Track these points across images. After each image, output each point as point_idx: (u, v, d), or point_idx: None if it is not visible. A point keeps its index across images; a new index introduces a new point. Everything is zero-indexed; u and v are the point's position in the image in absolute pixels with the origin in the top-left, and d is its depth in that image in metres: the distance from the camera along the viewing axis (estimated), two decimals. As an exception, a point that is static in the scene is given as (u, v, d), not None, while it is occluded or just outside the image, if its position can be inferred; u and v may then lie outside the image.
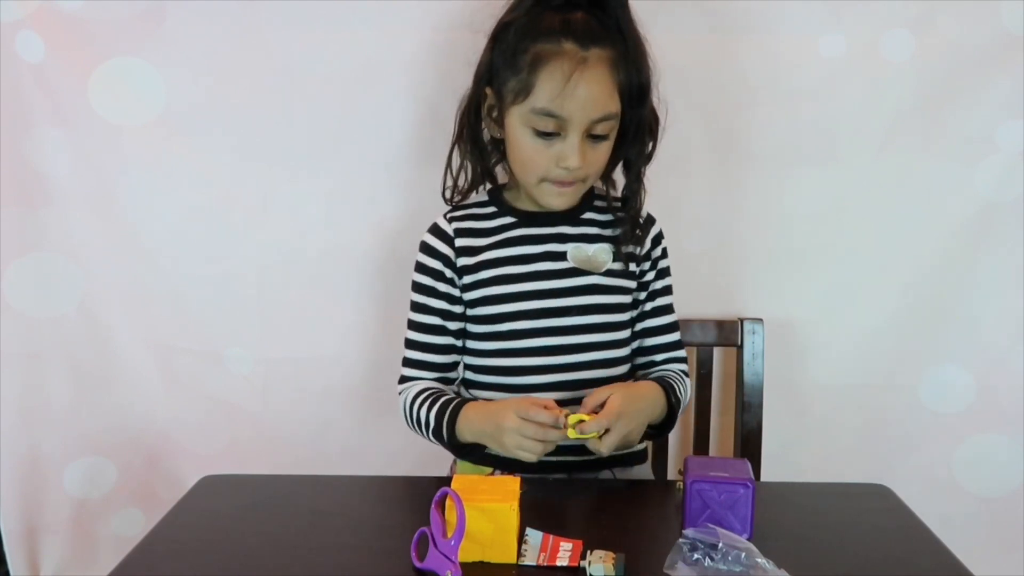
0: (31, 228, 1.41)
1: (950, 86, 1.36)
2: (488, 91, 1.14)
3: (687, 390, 1.20)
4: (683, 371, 1.22)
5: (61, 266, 1.43)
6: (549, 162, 1.10)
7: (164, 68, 1.37)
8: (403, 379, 1.21)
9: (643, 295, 1.21)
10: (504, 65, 1.10)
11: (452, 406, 1.11)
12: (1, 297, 1.42)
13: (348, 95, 1.38)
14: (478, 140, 1.19)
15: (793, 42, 1.36)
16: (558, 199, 1.14)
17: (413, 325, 1.20)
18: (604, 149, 1.12)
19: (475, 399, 1.16)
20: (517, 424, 1.01)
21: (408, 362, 1.20)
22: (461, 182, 1.21)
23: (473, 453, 1.12)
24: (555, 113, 1.07)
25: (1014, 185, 1.38)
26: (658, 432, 1.15)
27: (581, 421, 1.00)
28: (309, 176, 1.41)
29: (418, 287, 1.19)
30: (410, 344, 1.20)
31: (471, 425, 1.08)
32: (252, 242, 1.43)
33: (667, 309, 1.23)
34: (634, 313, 1.22)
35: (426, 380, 1.19)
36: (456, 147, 1.20)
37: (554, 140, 1.09)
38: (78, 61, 1.36)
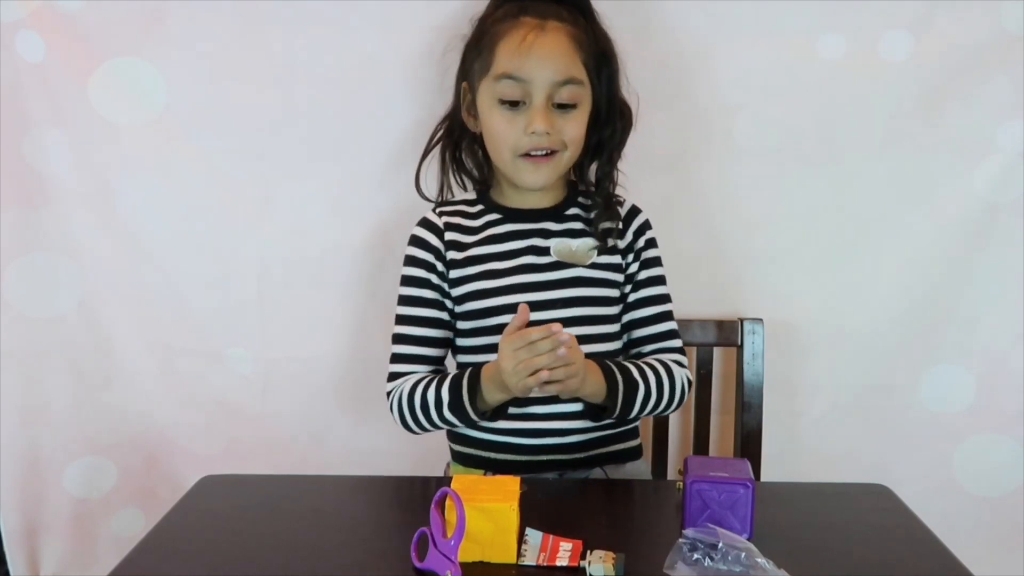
0: (31, 228, 1.41)
1: (949, 86, 1.36)
2: (464, 85, 1.19)
3: (673, 378, 1.15)
4: (674, 360, 1.19)
5: (61, 266, 1.43)
6: (518, 132, 1.12)
7: (164, 68, 1.37)
8: (393, 376, 1.18)
9: (628, 287, 1.21)
10: (471, 52, 1.16)
11: (468, 374, 1.09)
12: (1, 297, 1.42)
13: (348, 95, 1.38)
14: (458, 137, 1.23)
15: (792, 42, 1.36)
16: (534, 174, 1.15)
17: (404, 320, 1.19)
18: (574, 120, 1.13)
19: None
20: (510, 352, 0.99)
21: (399, 358, 1.18)
22: (439, 180, 1.25)
23: (495, 418, 1.11)
24: (515, 75, 1.10)
25: (1014, 185, 1.38)
26: (605, 409, 1.11)
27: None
28: (309, 176, 1.41)
29: (410, 280, 1.19)
30: (401, 339, 1.19)
31: (489, 381, 1.07)
32: (252, 242, 1.43)
33: (654, 300, 1.21)
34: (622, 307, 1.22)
35: (420, 374, 1.17)
36: (437, 145, 1.23)
37: (520, 109, 1.12)
38: (78, 61, 1.36)
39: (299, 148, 1.40)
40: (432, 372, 1.19)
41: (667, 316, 1.22)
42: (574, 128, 1.14)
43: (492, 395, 1.08)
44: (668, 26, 1.35)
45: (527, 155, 1.13)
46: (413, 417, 1.14)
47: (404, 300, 1.19)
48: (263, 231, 1.43)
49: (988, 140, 1.37)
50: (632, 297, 1.21)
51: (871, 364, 1.45)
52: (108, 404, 1.48)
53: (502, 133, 1.13)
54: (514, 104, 1.12)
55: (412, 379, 1.16)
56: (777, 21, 1.36)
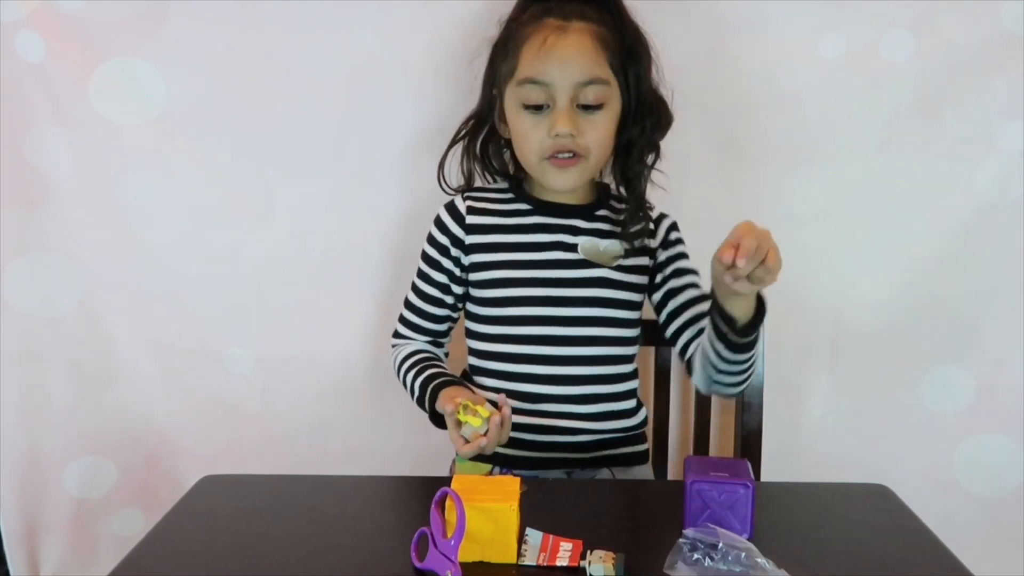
0: (31, 228, 1.41)
1: (950, 86, 1.36)
2: (494, 92, 1.18)
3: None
4: None
5: (61, 266, 1.43)
6: (543, 135, 1.11)
7: (164, 68, 1.37)
8: (396, 334, 1.26)
9: (668, 273, 1.20)
10: (498, 56, 1.15)
11: (432, 388, 1.12)
12: (1, 297, 1.42)
13: (348, 95, 1.38)
14: (486, 137, 1.22)
15: (793, 42, 1.36)
16: (560, 177, 1.14)
17: (414, 289, 1.24)
18: (601, 122, 1.12)
19: (455, 379, 1.16)
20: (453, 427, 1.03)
21: (403, 320, 1.25)
22: (466, 170, 1.24)
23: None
24: (537, 79, 1.09)
25: (1014, 185, 1.38)
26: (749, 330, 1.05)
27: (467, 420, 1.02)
28: (309, 176, 1.41)
29: (425, 257, 1.22)
30: (408, 306, 1.24)
31: (441, 403, 1.10)
32: (252, 242, 1.43)
33: (699, 286, 1.20)
34: (661, 299, 1.20)
35: (418, 342, 1.24)
36: (461, 144, 1.22)
37: (544, 113, 1.11)
38: (78, 61, 1.36)
39: (299, 148, 1.40)
40: (430, 343, 1.25)
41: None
42: (599, 130, 1.12)
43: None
44: (668, 27, 1.35)
45: (553, 157, 1.12)
46: (400, 382, 1.21)
47: (418, 272, 1.23)
48: (263, 231, 1.43)
49: (988, 140, 1.37)
50: (678, 282, 1.19)
51: (871, 364, 1.45)
52: (108, 404, 1.48)
53: (527, 137, 1.13)
54: (538, 108, 1.11)
55: (410, 347, 1.23)
56: (779, 21, 1.36)
